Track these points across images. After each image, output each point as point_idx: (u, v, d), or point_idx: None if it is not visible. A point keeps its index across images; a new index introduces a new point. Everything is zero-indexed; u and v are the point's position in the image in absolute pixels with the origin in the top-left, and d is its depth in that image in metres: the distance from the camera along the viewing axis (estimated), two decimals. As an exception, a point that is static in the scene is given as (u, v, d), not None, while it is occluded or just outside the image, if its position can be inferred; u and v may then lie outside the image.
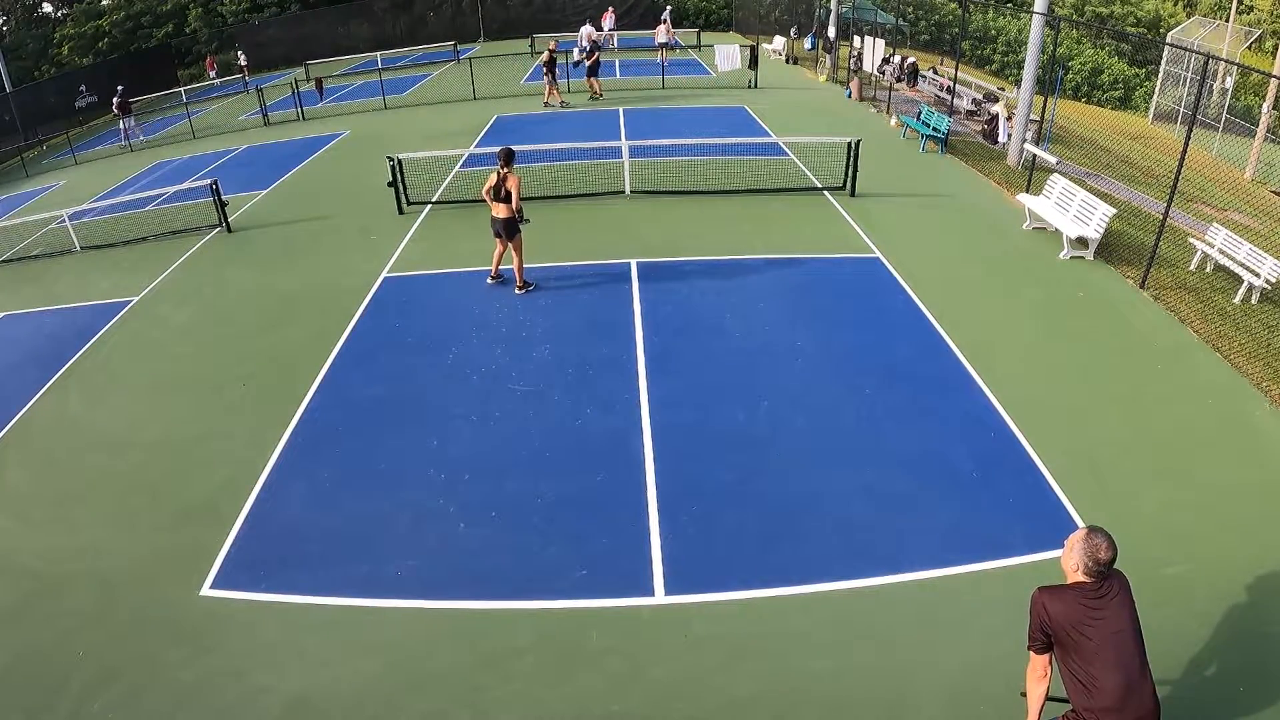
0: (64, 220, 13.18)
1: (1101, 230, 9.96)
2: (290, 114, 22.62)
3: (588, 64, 21.15)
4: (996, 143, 16.08)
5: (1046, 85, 15.77)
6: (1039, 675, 3.47)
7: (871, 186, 12.77)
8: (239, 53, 32.85)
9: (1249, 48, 24.88)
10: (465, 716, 4.54)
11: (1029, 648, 3.46)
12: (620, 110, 19.72)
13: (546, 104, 20.62)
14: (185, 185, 14.28)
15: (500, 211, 9.18)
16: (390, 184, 12.62)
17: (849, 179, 12.69)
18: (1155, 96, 22.72)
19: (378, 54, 30.16)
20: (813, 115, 18.76)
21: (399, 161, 12.67)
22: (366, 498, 6.34)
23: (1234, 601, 5.00)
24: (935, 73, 22.08)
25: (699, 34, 31.35)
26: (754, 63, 22.45)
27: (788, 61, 27.19)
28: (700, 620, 5.09)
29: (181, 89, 29.61)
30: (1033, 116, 14.64)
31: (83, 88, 29.77)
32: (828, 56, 24.12)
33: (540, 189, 13.09)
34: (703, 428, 6.97)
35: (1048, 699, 3.50)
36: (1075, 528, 4.07)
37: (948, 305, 8.97)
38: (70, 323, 10.03)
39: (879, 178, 13.14)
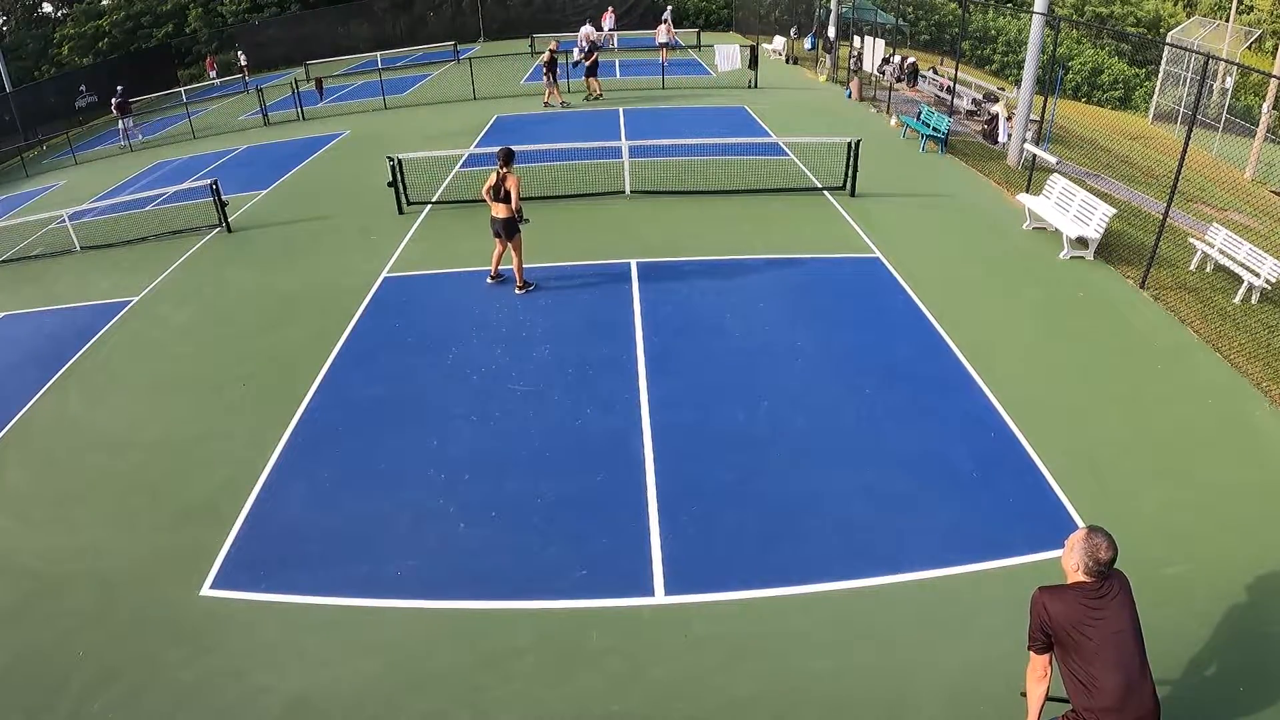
0: (64, 220, 13.18)
1: (1101, 230, 9.96)
2: (290, 114, 22.62)
3: (586, 64, 21.16)
4: (996, 143, 16.08)
5: (1046, 85, 15.77)
6: (1039, 675, 3.47)
7: (871, 186, 12.77)
8: (239, 53, 32.86)
9: (1249, 48, 24.89)
10: (465, 716, 4.54)
11: (1029, 648, 3.46)
12: (620, 110, 19.72)
13: (546, 104, 20.62)
14: (185, 185, 14.28)
15: (500, 211, 9.18)
16: (390, 184, 12.62)
17: (849, 179, 12.69)
18: (1155, 96, 22.72)
19: (378, 54, 30.16)
20: (813, 115, 18.76)
21: (399, 161, 12.67)
22: (366, 498, 6.34)
23: (1234, 601, 5.00)
24: (935, 73, 22.08)
25: (699, 34, 31.35)
26: (754, 63, 22.45)
27: (788, 61, 27.19)
28: (700, 620, 5.09)
29: (181, 89, 29.60)
30: (1033, 116, 14.64)
31: (83, 88, 29.78)
32: (828, 56, 24.12)
33: (540, 189, 13.09)
34: (703, 428, 6.97)
35: (1048, 699, 3.50)
36: (1075, 528, 4.07)
37: (948, 305, 8.97)
38: (70, 323, 10.03)
39: (879, 178, 13.14)
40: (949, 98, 18.74)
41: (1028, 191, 11.96)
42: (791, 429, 6.92)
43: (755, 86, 22.06)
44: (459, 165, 15.05)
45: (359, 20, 35.89)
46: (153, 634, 5.18)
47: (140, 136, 23.08)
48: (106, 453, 7.25)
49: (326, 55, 31.12)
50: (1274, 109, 16.53)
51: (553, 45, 21.47)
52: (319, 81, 25.91)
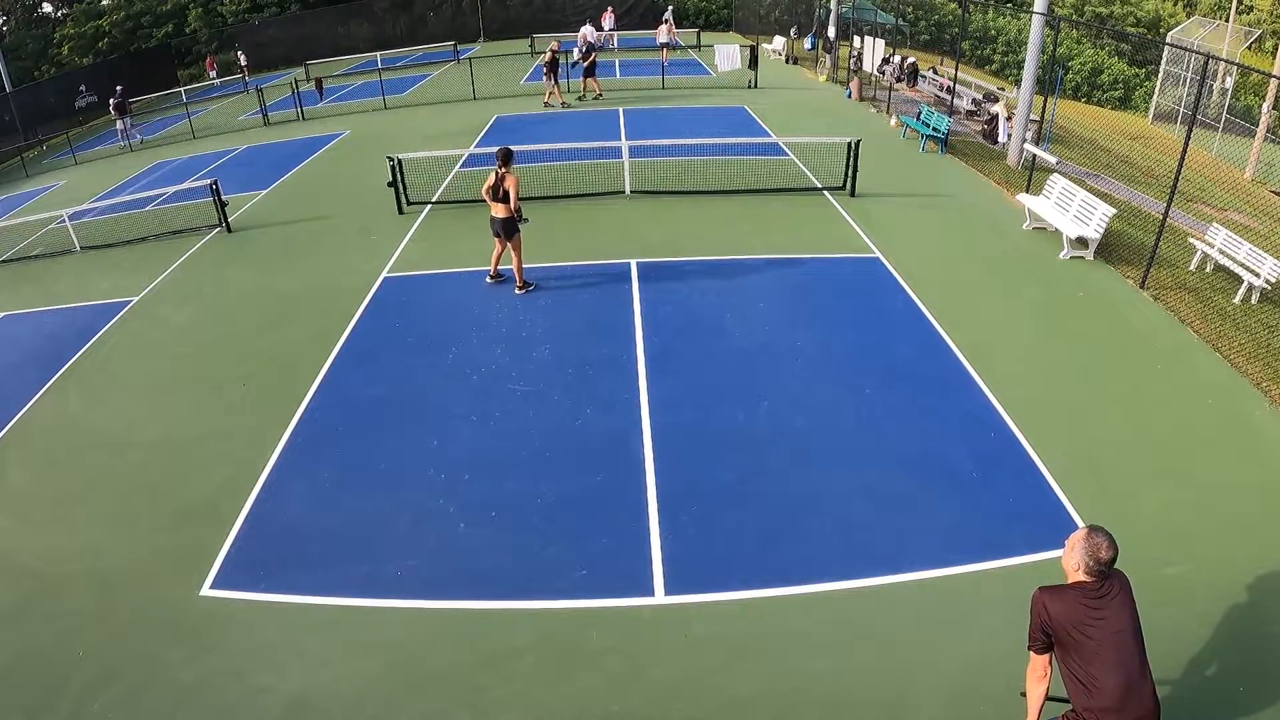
0: (64, 220, 13.18)
1: (1101, 230, 9.96)
2: (290, 114, 22.62)
3: (584, 65, 21.18)
4: (996, 143, 16.08)
5: (1046, 85, 15.77)
6: (1039, 675, 3.47)
7: (871, 186, 12.77)
8: (239, 53, 32.86)
9: (1249, 48, 24.89)
10: (465, 716, 4.54)
11: (1029, 648, 3.46)
12: (620, 110, 19.72)
13: (547, 104, 20.63)
14: (185, 185, 14.29)
15: (499, 211, 9.18)
16: (390, 184, 12.62)
17: (849, 179, 12.69)
18: (1155, 96, 22.72)
19: (378, 54, 30.16)
20: (813, 115, 18.76)
21: (399, 161, 12.67)
22: (366, 498, 6.34)
23: (1234, 601, 5.00)
24: (935, 73, 22.08)
25: (699, 34, 31.35)
26: (754, 63, 22.45)
27: (788, 61, 27.19)
28: (700, 620, 5.09)
29: (181, 89, 29.59)
30: (1033, 116, 14.64)
31: (83, 88, 29.79)
32: (828, 56, 24.12)
33: (540, 189, 13.09)
34: (703, 428, 6.97)
35: (1048, 699, 3.50)
36: (1075, 528, 4.07)
37: (948, 305, 8.97)
38: (70, 323, 10.03)
39: (879, 178, 13.14)
40: (949, 98, 18.73)
41: (1028, 191, 11.96)
42: (791, 429, 6.92)
43: (755, 86, 22.06)
44: (459, 165, 15.05)
45: (359, 20, 35.89)
46: (153, 634, 5.18)
47: (139, 137, 23.08)
48: (106, 453, 7.25)
49: (326, 55, 31.12)
50: (1274, 109, 16.53)
51: (554, 45, 21.48)
52: (319, 81, 25.91)
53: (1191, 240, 10.18)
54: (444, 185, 14.01)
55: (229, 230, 12.81)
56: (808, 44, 27.71)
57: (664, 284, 9.75)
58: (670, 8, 31.33)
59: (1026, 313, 8.90)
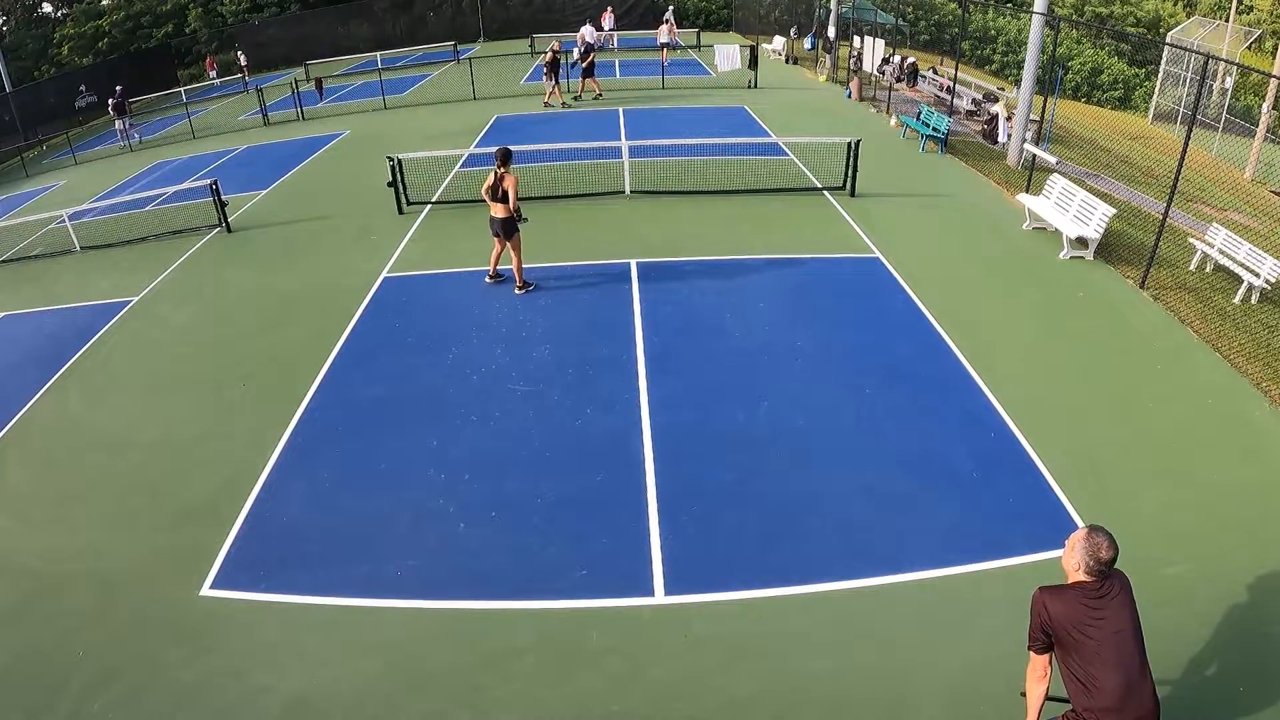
0: (64, 220, 13.18)
1: (1101, 230, 9.96)
2: (290, 114, 22.62)
3: (583, 65, 21.20)
4: (996, 143, 16.08)
5: (1046, 85, 15.77)
6: (1039, 675, 3.47)
7: (871, 186, 12.77)
8: (239, 53, 32.86)
9: (1249, 48, 24.89)
10: (465, 716, 4.54)
11: (1029, 648, 3.45)
12: (620, 110, 19.72)
13: (547, 104, 20.63)
14: (185, 185, 14.29)
15: (498, 211, 9.18)
16: (390, 184, 12.62)
17: (849, 179, 12.70)
18: (1155, 96, 22.73)
19: (378, 54, 30.16)
20: (813, 115, 18.76)
21: (399, 161, 12.67)
22: (366, 498, 6.34)
23: (1234, 601, 5.00)
24: (935, 73, 22.08)
25: (699, 34, 31.35)
26: (754, 63, 22.45)
27: (788, 61, 27.19)
28: (700, 620, 5.09)
29: (181, 89, 29.59)
30: (1033, 116, 14.64)
31: (83, 88, 29.79)
32: (828, 56, 24.12)
33: (540, 189, 13.09)
34: (703, 428, 6.97)
35: (1047, 699, 3.50)
36: (1075, 528, 4.07)
37: (948, 305, 8.97)
38: (70, 323, 10.03)
39: (879, 178, 13.14)
40: (949, 98, 18.73)
41: (1028, 191, 11.96)
42: (791, 429, 6.92)
43: (755, 86, 22.06)
44: (459, 165, 15.05)
45: (359, 20, 35.89)
46: (153, 634, 5.18)
47: (137, 137, 23.07)
48: (106, 453, 7.25)
49: (326, 55, 31.12)
50: (1274, 109, 16.53)
51: (555, 45, 21.50)
52: (319, 81, 25.91)
53: (1191, 240, 10.18)
54: (444, 185, 14.01)
55: (229, 230, 12.82)
56: (808, 44, 27.71)
57: (664, 284, 9.75)
58: (671, 7, 31.33)
59: (1026, 313, 8.90)
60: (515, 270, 9.57)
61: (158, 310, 10.20)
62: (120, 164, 20.43)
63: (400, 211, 12.76)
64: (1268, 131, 16.47)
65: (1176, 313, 8.83)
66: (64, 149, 23.65)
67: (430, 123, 19.83)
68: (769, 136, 16.55)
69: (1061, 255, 10.29)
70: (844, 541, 5.66)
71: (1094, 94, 25.92)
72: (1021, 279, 9.74)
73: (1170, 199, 9.29)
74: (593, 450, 6.76)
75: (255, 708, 4.63)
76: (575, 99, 21.17)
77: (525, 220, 9.55)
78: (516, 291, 9.62)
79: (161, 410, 7.89)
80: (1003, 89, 20.42)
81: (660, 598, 5.27)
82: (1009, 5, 28.90)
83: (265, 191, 15.10)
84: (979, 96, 19.48)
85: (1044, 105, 15.65)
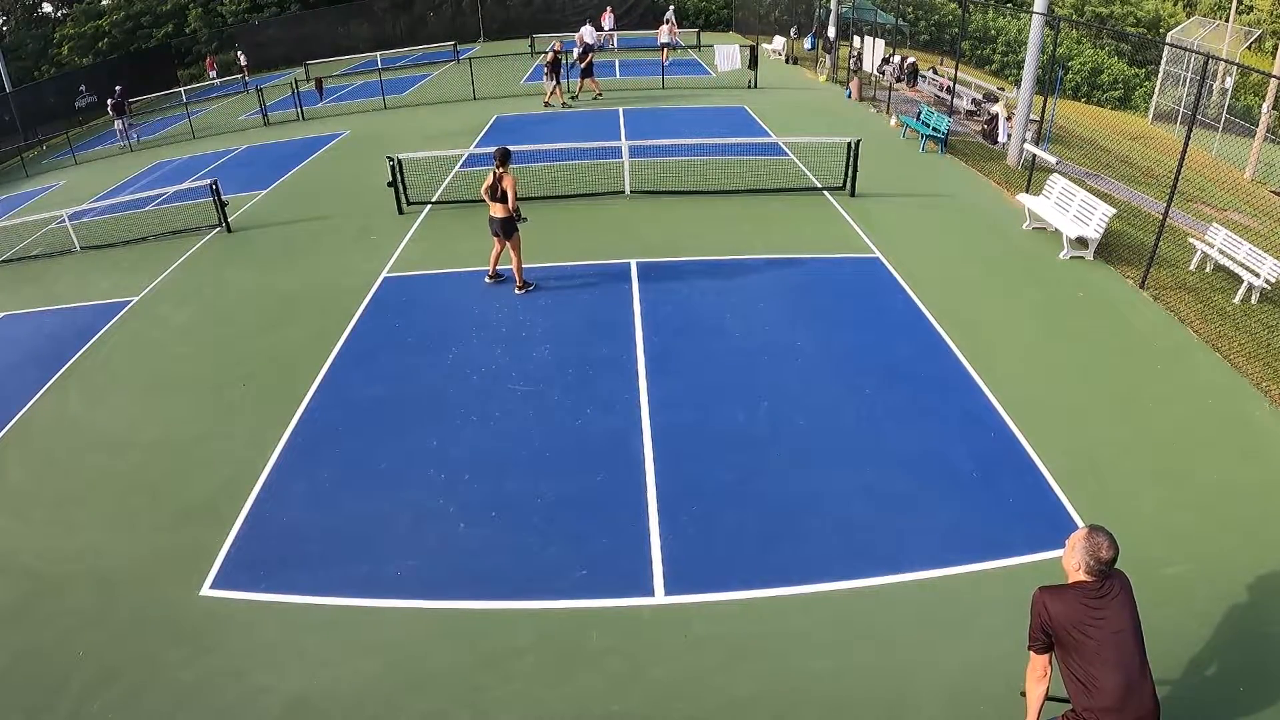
0: (64, 220, 13.18)
1: (1101, 230, 9.96)
2: (290, 114, 22.62)
3: (581, 66, 21.21)
4: (996, 143, 16.08)
5: (1046, 85, 15.77)
6: (1039, 675, 3.47)
7: (871, 186, 12.77)
8: (239, 53, 32.87)
9: (1249, 48, 24.88)
10: (465, 716, 4.54)
11: (1029, 648, 3.45)
12: (620, 110, 19.72)
13: (547, 104, 20.63)
14: (185, 185, 14.29)
15: (497, 211, 9.18)
16: (390, 184, 12.62)
17: (849, 179, 12.70)
18: (1155, 96, 22.73)
19: (378, 54, 30.17)
20: (813, 115, 18.77)
21: (399, 161, 12.67)
22: (366, 498, 6.34)
23: (1234, 601, 5.00)
24: (935, 73, 22.08)
25: (699, 34, 31.36)
26: (754, 63, 22.45)
27: (788, 61, 27.19)
28: (700, 620, 5.09)
29: (181, 89, 29.59)
30: (1033, 116, 14.64)
31: (83, 88, 29.79)
32: (828, 56, 24.12)
33: (540, 189, 13.09)
34: (703, 428, 6.97)
35: (1047, 699, 3.50)
36: (1075, 528, 4.06)
37: (948, 305, 8.97)
38: (70, 323, 10.03)
39: (879, 178, 13.14)
40: (949, 98, 18.74)
41: (1028, 191, 11.96)
42: (791, 429, 6.92)
43: (755, 86, 22.06)
44: (459, 165, 15.05)
45: (359, 20, 35.89)
46: (153, 634, 5.18)
47: (136, 137, 23.07)
48: (106, 453, 7.25)
49: (326, 55, 31.13)
50: (1274, 109, 16.53)
51: (556, 45, 21.51)
52: (319, 81, 25.91)
53: (1191, 240, 10.18)
54: (444, 185, 14.01)
55: (229, 230, 12.82)
56: (808, 44, 27.71)
57: (664, 284, 9.75)
58: (672, 7, 31.32)
59: (1026, 313, 8.90)
60: (515, 270, 9.57)
61: (158, 310, 10.20)
62: (120, 164, 20.43)
63: (400, 211, 12.76)
64: (1268, 131, 16.47)
65: (1176, 313, 8.83)
66: (64, 149, 23.65)
67: (430, 123, 19.83)
68: (769, 136, 16.55)
69: (1061, 255, 10.29)
70: (844, 541, 5.66)
71: (1094, 94, 25.92)
72: (1021, 279, 9.74)
73: (1170, 199, 9.29)
74: (593, 450, 6.76)
75: (255, 708, 4.63)
76: (573, 99, 21.18)
77: (525, 220, 9.55)
78: (516, 291, 9.62)
79: (161, 410, 7.89)
80: (1003, 89, 20.42)
81: (660, 598, 5.27)
82: (1009, 5, 28.90)
83: (265, 191, 15.10)
84: (979, 96, 19.48)
85: (1044, 105, 15.65)
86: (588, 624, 5.09)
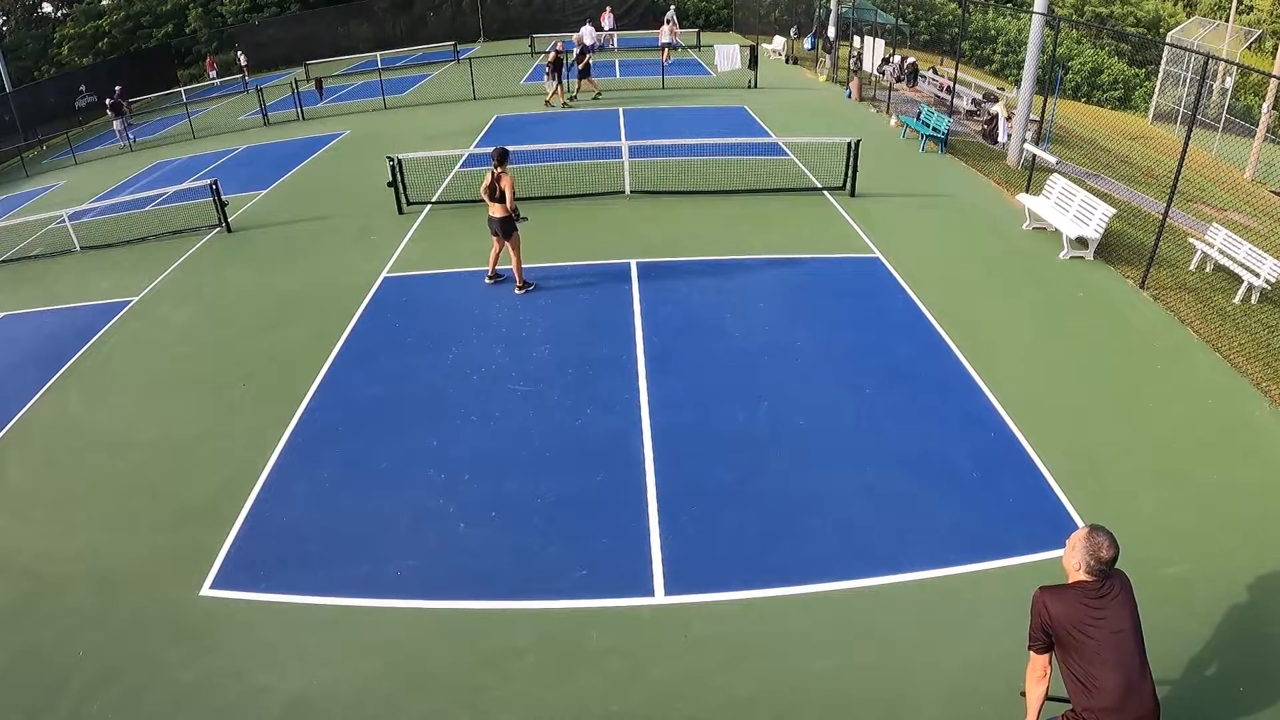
0: (64, 220, 13.18)
1: (1101, 230, 9.96)
2: (290, 114, 22.62)
3: (579, 66, 21.22)
4: (996, 143, 16.08)
5: (1046, 85, 15.77)
6: (1039, 675, 3.47)
7: (871, 186, 12.77)
8: (239, 53, 32.87)
9: (1249, 48, 24.88)
10: (465, 716, 4.54)
11: (1029, 647, 3.45)
12: (620, 110, 19.72)
13: (548, 104, 20.64)
14: (185, 185, 14.29)
15: (496, 211, 9.18)
16: (390, 184, 12.62)
17: (849, 179, 12.70)
18: (1155, 96, 22.72)
19: (378, 54, 30.17)
20: (813, 115, 18.77)
21: (399, 161, 12.67)
22: (366, 498, 6.34)
23: (1234, 601, 5.00)
24: (935, 73, 22.08)
25: (699, 34, 31.36)
26: (754, 63, 22.45)
27: (788, 61, 27.20)
28: (700, 620, 5.09)
29: (181, 89, 29.60)
30: (1033, 116, 14.64)
31: (83, 88, 29.80)
32: (828, 56, 24.12)
33: (540, 189, 13.09)
34: (703, 428, 6.97)
35: (1047, 699, 3.50)
36: (1075, 528, 4.06)
37: (948, 305, 8.97)
38: (70, 323, 10.03)
39: (879, 178, 13.14)
40: (949, 98, 18.73)
41: (1028, 191, 11.96)
42: (791, 429, 6.92)
43: (755, 86, 22.06)
44: (459, 165, 15.05)
45: (359, 20, 35.90)
46: (153, 634, 5.18)
47: (133, 137, 23.06)
48: (106, 453, 7.25)
49: (326, 55, 31.13)
50: (1274, 109, 16.53)
51: (558, 45, 21.53)
52: (319, 81, 25.91)
53: (1191, 240, 10.18)
54: (444, 185, 14.01)
55: (229, 230, 12.82)
56: (808, 44, 27.71)
57: (664, 284, 9.75)
58: (673, 7, 31.32)
59: (1026, 313, 8.90)
60: (515, 270, 9.57)
61: (158, 310, 10.20)
62: (120, 164, 20.43)
63: (400, 211, 12.76)
64: (1268, 131, 16.47)
65: (1176, 313, 8.83)
66: (64, 149, 23.65)
67: (430, 123, 19.84)
68: (769, 136, 16.56)
69: (1061, 255, 10.29)
70: (844, 541, 5.66)
71: (1094, 94, 25.92)
72: (1021, 279, 9.74)
73: (1170, 199, 9.29)
74: (593, 450, 6.76)
75: (255, 708, 4.63)
76: (572, 99, 21.18)
77: (525, 219, 9.55)
78: (516, 291, 9.62)
79: (161, 410, 7.89)
80: (1003, 89, 20.41)
81: (660, 598, 5.27)
82: (1009, 5, 28.89)
83: (265, 191, 15.10)
84: (979, 96, 19.48)
85: (1044, 105, 15.65)
86: (588, 624, 5.09)
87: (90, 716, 4.61)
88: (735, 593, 5.27)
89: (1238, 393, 7.37)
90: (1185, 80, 20.83)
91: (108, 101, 23.10)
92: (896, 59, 22.05)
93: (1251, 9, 29.87)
